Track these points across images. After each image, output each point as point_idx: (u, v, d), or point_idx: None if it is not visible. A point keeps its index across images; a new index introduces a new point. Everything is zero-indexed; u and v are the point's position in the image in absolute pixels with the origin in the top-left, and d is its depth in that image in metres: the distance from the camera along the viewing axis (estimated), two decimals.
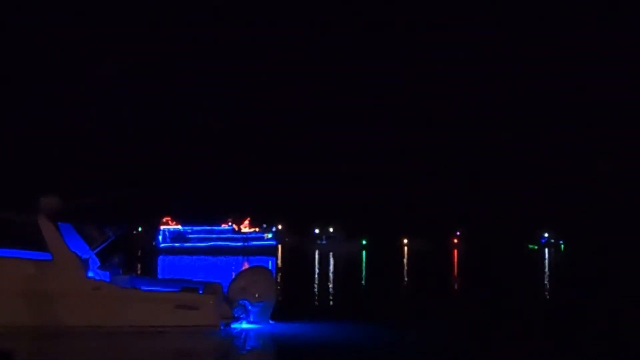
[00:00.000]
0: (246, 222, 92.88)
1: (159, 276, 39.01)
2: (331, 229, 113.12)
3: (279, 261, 64.14)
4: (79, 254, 16.78)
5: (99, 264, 17.56)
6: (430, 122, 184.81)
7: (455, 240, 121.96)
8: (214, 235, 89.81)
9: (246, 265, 52.14)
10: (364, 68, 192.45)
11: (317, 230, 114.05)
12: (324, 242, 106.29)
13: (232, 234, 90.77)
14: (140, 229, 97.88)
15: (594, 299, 27.39)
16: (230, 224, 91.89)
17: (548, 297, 30.17)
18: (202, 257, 69.19)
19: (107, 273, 17.31)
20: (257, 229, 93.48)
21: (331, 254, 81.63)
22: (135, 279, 18.38)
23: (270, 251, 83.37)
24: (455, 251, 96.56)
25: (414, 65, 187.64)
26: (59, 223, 16.91)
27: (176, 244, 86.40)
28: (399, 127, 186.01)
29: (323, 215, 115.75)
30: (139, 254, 66.41)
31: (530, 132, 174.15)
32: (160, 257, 68.56)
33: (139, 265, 47.52)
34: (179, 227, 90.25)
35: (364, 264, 61.55)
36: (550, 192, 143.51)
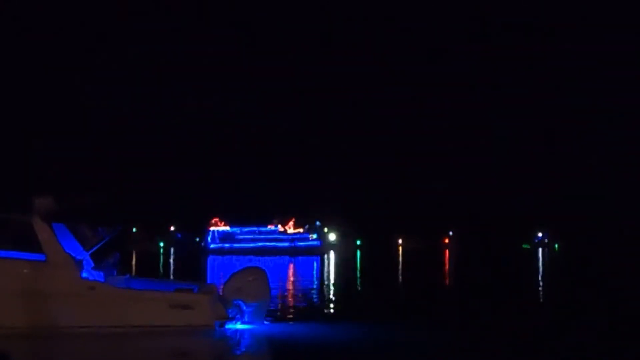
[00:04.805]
0: (291, 222, 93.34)
1: (209, 277, 39.44)
2: (325, 229, 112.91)
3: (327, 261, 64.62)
4: (73, 255, 16.76)
5: (93, 264, 17.53)
6: (423, 122, 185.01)
7: (447, 240, 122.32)
8: (262, 236, 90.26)
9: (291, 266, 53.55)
10: (362, 71, 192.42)
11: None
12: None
13: (279, 234, 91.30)
14: (135, 230, 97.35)
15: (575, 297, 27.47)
16: (276, 225, 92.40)
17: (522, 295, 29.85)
18: (251, 257, 69.53)
19: (102, 273, 17.28)
20: (301, 230, 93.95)
21: (326, 255, 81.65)
22: (130, 280, 18.35)
23: (316, 251, 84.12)
24: (447, 251, 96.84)
25: (408, 67, 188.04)
26: (53, 224, 16.87)
27: (225, 245, 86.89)
28: (394, 127, 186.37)
29: (318, 215, 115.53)
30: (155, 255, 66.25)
31: (529, 130, 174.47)
32: (210, 257, 69.73)
33: (133, 265, 47.49)
34: (228, 228, 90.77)
35: (358, 264, 61.64)
36: (546, 192, 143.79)
